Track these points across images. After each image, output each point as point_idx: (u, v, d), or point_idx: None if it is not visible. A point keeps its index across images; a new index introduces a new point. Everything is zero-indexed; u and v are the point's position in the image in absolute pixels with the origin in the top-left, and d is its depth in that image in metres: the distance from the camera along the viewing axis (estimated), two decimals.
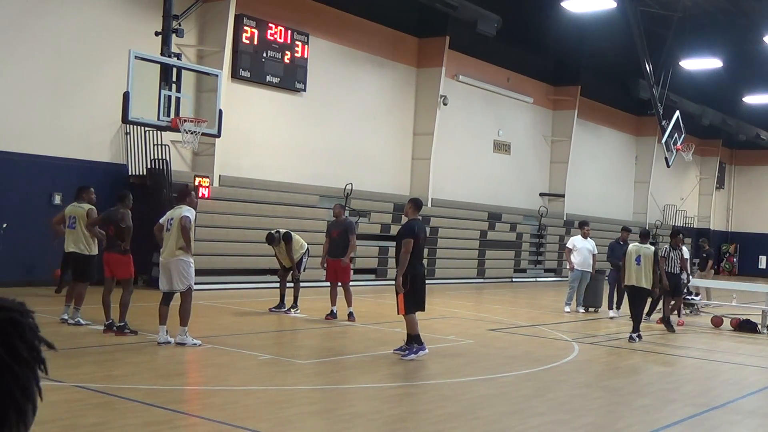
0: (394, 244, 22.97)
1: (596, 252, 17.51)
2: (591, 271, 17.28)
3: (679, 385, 9.68)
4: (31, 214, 15.61)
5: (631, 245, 14.03)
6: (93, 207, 11.51)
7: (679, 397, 8.89)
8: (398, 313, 10.21)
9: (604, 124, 35.51)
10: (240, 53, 19.64)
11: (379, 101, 24.31)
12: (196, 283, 10.85)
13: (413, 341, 10.12)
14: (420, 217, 10.59)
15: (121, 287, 10.83)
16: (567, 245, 18.15)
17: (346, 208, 20.79)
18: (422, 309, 10.32)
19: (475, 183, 27.99)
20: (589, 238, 17.56)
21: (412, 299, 10.06)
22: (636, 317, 13.42)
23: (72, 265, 11.71)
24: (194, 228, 11.35)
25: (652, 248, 13.76)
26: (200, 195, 17.94)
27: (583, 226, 17.91)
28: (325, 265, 13.79)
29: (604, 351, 12.33)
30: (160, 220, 10.43)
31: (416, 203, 10.57)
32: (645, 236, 14.24)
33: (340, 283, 13.74)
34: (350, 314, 13.53)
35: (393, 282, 10.85)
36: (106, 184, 16.53)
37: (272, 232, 14.41)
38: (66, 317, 11.31)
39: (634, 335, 13.19)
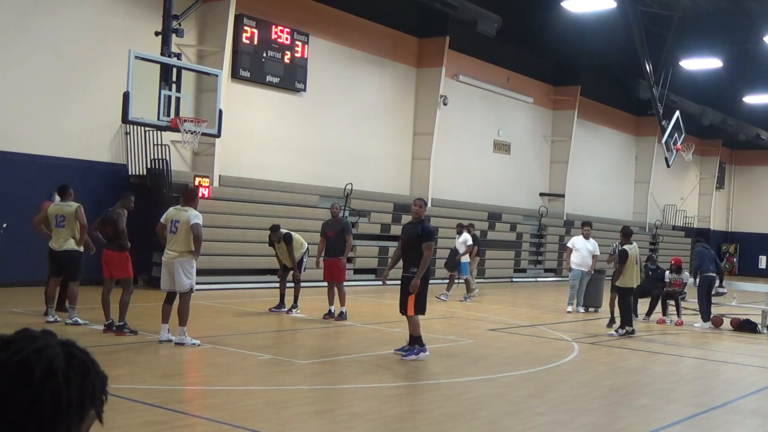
0: (394, 244, 23.02)
1: (598, 253, 17.44)
2: (589, 271, 17.26)
3: (679, 385, 9.68)
4: (31, 214, 15.50)
5: (631, 247, 14.04)
6: (80, 204, 11.44)
7: (679, 397, 8.89)
8: (407, 314, 10.05)
9: (604, 124, 35.52)
10: (240, 53, 19.65)
11: (379, 101, 24.32)
12: (196, 283, 10.84)
13: (416, 342, 10.09)
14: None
15: (121, 287, 10.82)
16: (567, 245, 18.12)
17: (345, 208, 20.82)
18: (424, 313, 10.24)
19: (475, 183, 28.00)
20: (591, 239, 17.50)
21: (422, 301, 10.01)
22: (630, 315, 14.24)
23: (64, 263, 11.40)
24: None
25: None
26: (200, 195, 17.94)
27: (584, 226, 17.85)
28: (321, 265, 13.78)
29: (604, 351, 12.33)
30: (162, 220, 10.38)
31: (425, 202, 10.65)
32: (629, 235, 14.44)
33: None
34: (341, 313, 13.51)
35: (396, 282, 10.82)
36: (106, 184, 16.55)
37: (278, 225, 14.45)
38: (51, 319, 11.20)
39: (630, 329, 13.93)
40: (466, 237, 18.82)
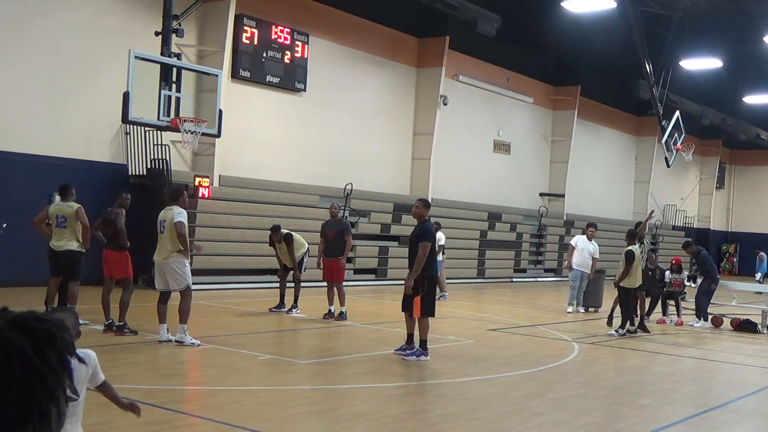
0: (394, 244, 23.03)
1: (597, 256, 17.42)
2: (589, 275, 17.29)
3: (679, 385, 9.68)
4: (31, 214, 15.49)
5: (636, 248, 14.04)
6: (81, 205, 11.40)
7: (679, 397, 8.89)
8: (413, 315, 10.05)
9: (604, 124, 35.52)
10: (240, 53, 19.65)
11: (379, 101, 24.32)
12: (195, 283, 10.84)
13: (420, 345, 10.06)
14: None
15: (121, 287, 10.82)
16: (570, 242, 18.06)
17: (345, 208, 20.82)
18: (433, 315, 10.20)
19: (475, 183, 27.99)
20: (593, 241, 17.48)
21: (428, 302, 9.99)
22: (631, 314, 14.28)
23: (65, 264, 11.30)
24: (192, 228, 11.27)
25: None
26: (200, 195, 17.95)
27: (588, 227, 17.84)
28: (322, 266, 13.79)
29: (604, 351, 12.33)
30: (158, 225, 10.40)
31: (427, 203, 10.58)
32: (634, 236, 14.40)
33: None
34: (341, 313, 13.52)
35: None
36: (106, 184, 16.55)
37: (279, 225, 14.47)
38: None
39: (632, 328, 14.07)
40: (440, 236, 18.60)
